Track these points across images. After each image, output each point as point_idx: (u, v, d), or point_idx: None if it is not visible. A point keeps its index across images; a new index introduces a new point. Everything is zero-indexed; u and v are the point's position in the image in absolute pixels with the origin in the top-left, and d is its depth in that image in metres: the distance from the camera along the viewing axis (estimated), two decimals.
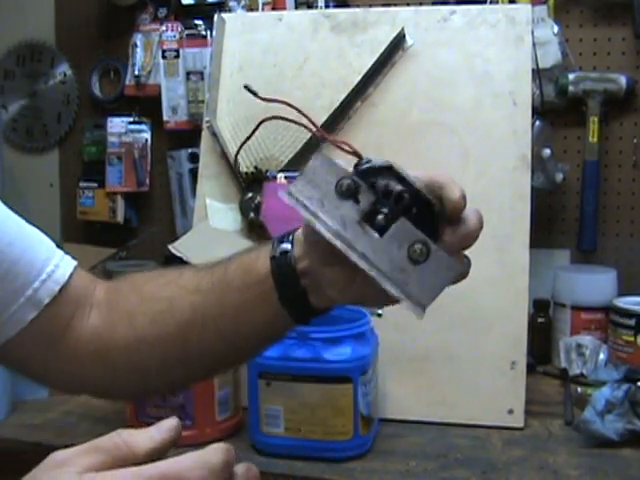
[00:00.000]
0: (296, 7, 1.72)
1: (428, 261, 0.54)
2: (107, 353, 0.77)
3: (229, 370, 1.17)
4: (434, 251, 0.54)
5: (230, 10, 1.74)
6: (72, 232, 1.98)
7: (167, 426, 0.49)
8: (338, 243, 0.56)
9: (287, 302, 0.69)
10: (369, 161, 0.57)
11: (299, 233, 0.68)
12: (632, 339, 1.37)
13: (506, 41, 1.36)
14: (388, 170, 0.56)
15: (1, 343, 0.75)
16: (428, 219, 0.57)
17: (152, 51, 1.85)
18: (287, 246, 0.68)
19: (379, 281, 0.55)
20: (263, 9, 1.72)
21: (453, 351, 1.26)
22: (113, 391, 0.83)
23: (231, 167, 1.41)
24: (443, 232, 0.62)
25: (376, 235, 0.55)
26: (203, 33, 1.80)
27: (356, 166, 0.58)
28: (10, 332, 0.75)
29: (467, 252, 0.64)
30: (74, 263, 0.80)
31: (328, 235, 0.56)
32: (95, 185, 1.93)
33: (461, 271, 0.56)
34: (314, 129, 0.68)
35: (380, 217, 0.55)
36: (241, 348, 0.76)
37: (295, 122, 0.71)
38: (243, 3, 1.74)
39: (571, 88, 1.61)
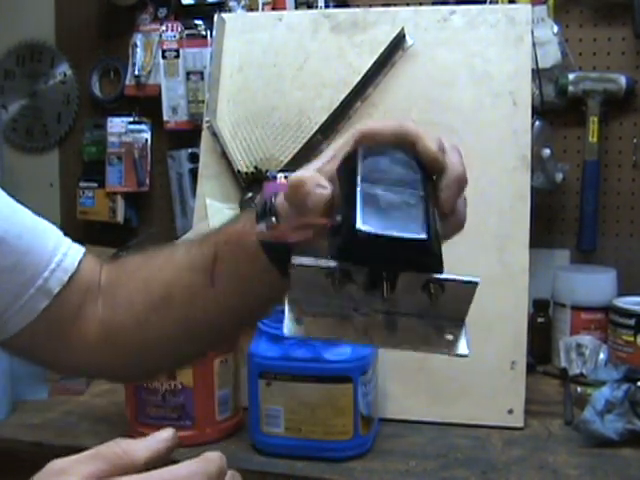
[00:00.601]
0: (296, 7, 1.72)
1: (445, 292, 0.54)
2: (115, 339, 0.78)
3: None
4: (445, 281, 0.54)
5: (230, 10, 1.74)
6: (72, 232, 1.94)
7: (164, 436, 0.50)
8: (367, 340, 0.55)
9: (287, 274, 0.69)
10: (342, 225, 0.54)
11: (281, 200, 0.65)
12: (632, 339, 1.37)
13: (506, 41, 1.36)
14: (365, 236, 0.52)
15: (13, 333, 0.76)
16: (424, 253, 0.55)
17: (152, 51, 1.85)
18: (272, 220, 0.65)
19: (415, 349, 0.55)
20: (263, 9, 1.72)
21: None
22: (122, 374, 0.86)
23: (231, 167, 1.41)
24: (435, 190, 0.60)
25: (388, 296, 0.54)
26: (203, 33, 1.80)
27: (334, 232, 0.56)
28: (22, 322, 0.76)
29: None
30: (82, 250, 0.81)
31: (357, 337, 0.55)
32: (95, 185, 1.93)
33: (477, 281, 0.55)
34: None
35: (384, 287, 0.54)
36: (244, 316, 0.76)
37: None
38: (243, 3, 1.74)
39: (571, 88, 1.61)
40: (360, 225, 0.52)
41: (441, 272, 0.54)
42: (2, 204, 0.78)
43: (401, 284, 0.54)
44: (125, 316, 0.78)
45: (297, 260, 0.53)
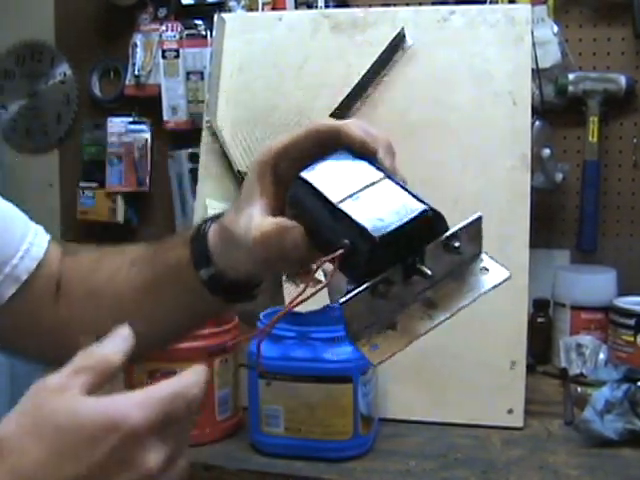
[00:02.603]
0: (296, 7, 1.72)
1: (462, 240, 0.57)
2: (70, 339, 0.79)
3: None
4: (461, 231, 0.57)
5: (230, 10, 1.74)
6: (72, 232, 1.98)
7: (124, 334, 0.54)
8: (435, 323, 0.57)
9: (230, 301, 0.72)
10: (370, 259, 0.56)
11: (214, 242, 0.68)
12: (632, 339, 1.37)
13: (506, 41, 1.36)
14: (385, 238, 0.55)
15: None
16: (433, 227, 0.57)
17: (152, 51, 1.85)
18: (212, 270, 0.69)
19: (460, 307, 0.58)
20: (263, 9, 1.72)
21: (453, 351, 1.26)
22: None
23: (231, 167, 1.41)
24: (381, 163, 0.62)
25: (430, 274, 0.56)
26: (203, 33, 1.80)
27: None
28: None
29: None
30: (48, 237, 0.82)
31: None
32: (95, 185, 1.93)
33: (480, 215, 0.59)
34: None
35: (423, 270, 0.56)
36: (185, 333, 0.81)
37: None
38: (243, 3, 1.74)
39: (571, 88, 1.61)
40: (376, 233, 0.55)
41: (449, 228, 0.57)
42: None
43: (429, 257, 0.56)
44: (79, 318, 0.79)
45: (343, 299, 0.54)
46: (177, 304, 0.74)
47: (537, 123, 1.57)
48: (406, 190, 0.58)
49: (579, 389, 1.31)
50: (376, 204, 0.57)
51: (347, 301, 0.54)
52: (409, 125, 1.36)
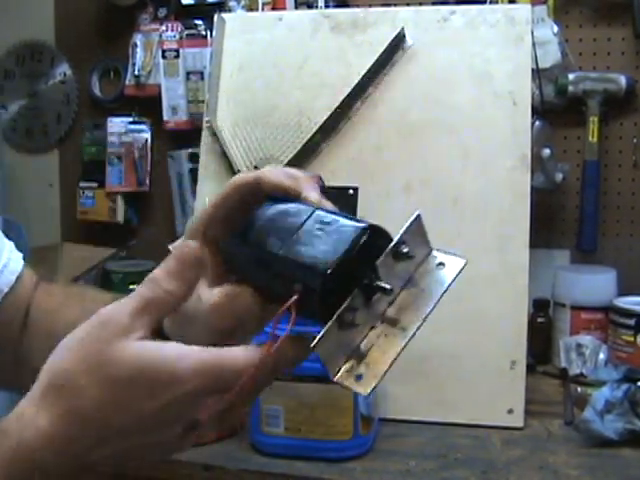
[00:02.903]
0: (296, 7, 1.72)
1: (409, 243, 0.57)
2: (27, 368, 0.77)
3: None
4: (404, 235, 0.56)
5: (230, 10, 1.74)
6: (72, 232, 1.98)
7: (193, 262, 0.52)
8: (408, 339, 0.55)
9: None
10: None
11: (170, 329, 0.64)
12: (632, 339, 1.37)
13: (506, 41, 1.36)
14: (335, 268, 0.54)
15: None
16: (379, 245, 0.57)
17: (152, 51, 1.85)
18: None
19: (427, 312, 0.56)
20: (263, 9, 1.72)
21: (453, 351, 1.26)
22: None
23: (231, 167, 1.41)
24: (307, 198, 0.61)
25: (389, 288, 0.56)
26: (203, 33, 1.80)
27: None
28: None
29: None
30: (21, 254, 0.82)
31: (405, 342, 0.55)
32: (95, 185, 1.93)
33: (419, 213, 0.58)
34: None
35: (381, 285, 0.55)
36: None
37: None
38: (243, 3, 1.74)
39: (571, 88, 1.61)
40: (322, 267, 0.54)
41: (392, 238, 0.57)
42: None
43: (382, 272, 0.56)
44: (38, 355, 0.77)
45: (313, 343, 0.53)
46: None
47: (537, 123, 1.57)
48: (340, 215, 0.58)
49: (579, 389, 1.31)
50: (314, 239, 0.57)
51: (318, 343, 0.53)
52: (409, 125, 1.36)
